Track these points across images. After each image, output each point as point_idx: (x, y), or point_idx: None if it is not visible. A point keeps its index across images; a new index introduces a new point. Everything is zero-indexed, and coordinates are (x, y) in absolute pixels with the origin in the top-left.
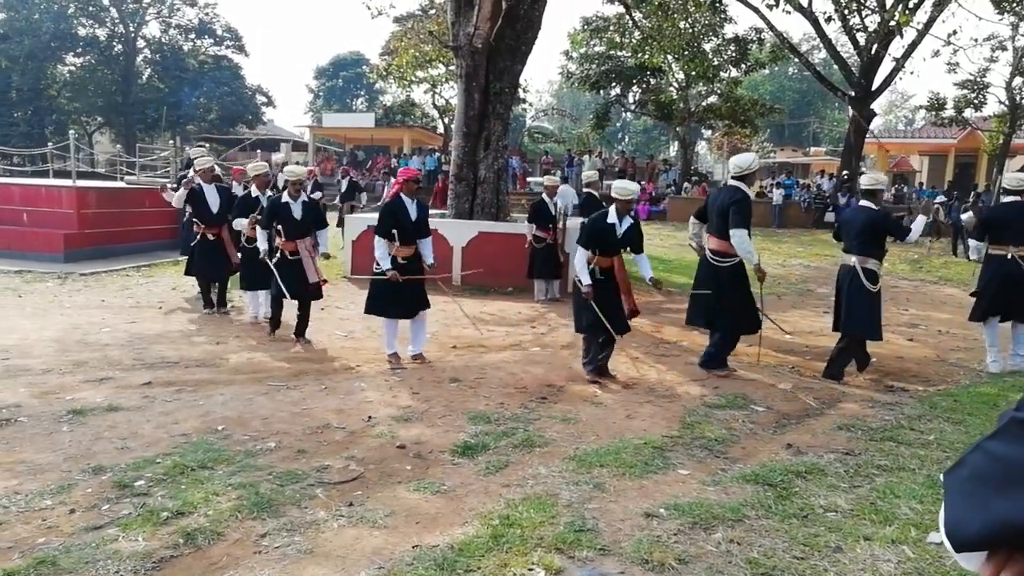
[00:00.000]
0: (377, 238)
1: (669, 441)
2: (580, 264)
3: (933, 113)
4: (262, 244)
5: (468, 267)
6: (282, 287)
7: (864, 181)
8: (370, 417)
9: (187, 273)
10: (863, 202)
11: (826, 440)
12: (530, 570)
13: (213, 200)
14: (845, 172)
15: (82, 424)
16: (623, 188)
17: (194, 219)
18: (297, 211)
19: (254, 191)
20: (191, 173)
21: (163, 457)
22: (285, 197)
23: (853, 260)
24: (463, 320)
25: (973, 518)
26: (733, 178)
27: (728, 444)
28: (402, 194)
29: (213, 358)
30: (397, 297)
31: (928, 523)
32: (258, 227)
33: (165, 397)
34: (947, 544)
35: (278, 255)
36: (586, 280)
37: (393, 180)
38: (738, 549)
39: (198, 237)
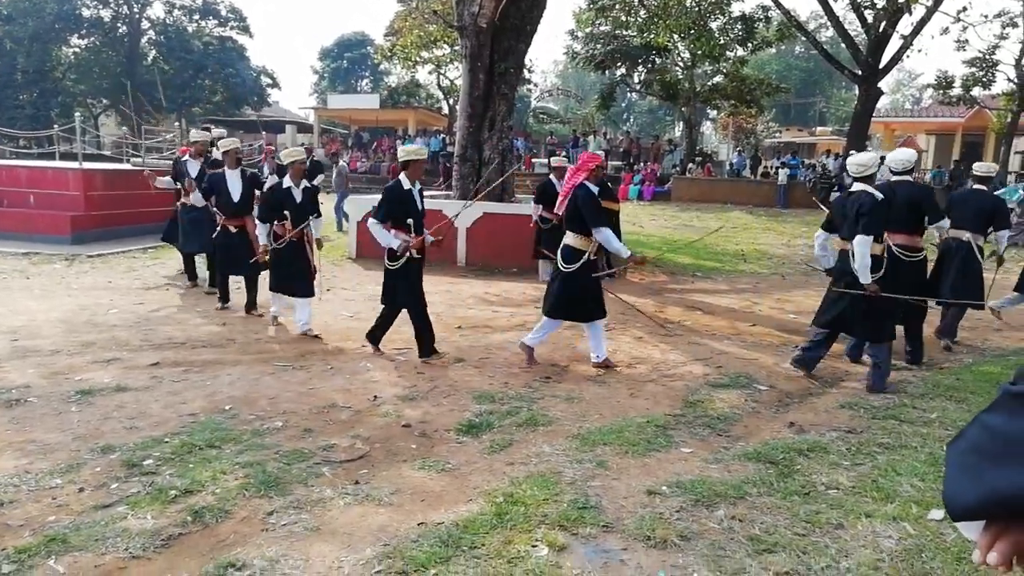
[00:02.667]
0: (606, 232)
1: (672, 420)
2: (862, 262)
3: (941, 92)
4: (391, 242)
5: (473, 249)
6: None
7: (979, 168)
8: (376, 397)
9: (209, 268)
10: (976, 186)
11: (828, 418)
12: (534, 546)
13: (235, 187)
14: (852, 151)
15: (90, 404)
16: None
17: (215, 208)
18: (419, 203)
19: (286, 182)
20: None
21: (171, 436)
22: (406, 183)
23: (967, 236)
24: (468, 300)
25: (969, 489)
26: (896, 173)
27: (730, 423)
28: (587, 182)
29: (220, 339)
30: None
31: (929, 500)
32: (391, 240)
33: (172, 377)
34: (948, 513)
35: (402, 262)
36: (867, 277)
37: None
38: (740, 526)
39: (219, 229)
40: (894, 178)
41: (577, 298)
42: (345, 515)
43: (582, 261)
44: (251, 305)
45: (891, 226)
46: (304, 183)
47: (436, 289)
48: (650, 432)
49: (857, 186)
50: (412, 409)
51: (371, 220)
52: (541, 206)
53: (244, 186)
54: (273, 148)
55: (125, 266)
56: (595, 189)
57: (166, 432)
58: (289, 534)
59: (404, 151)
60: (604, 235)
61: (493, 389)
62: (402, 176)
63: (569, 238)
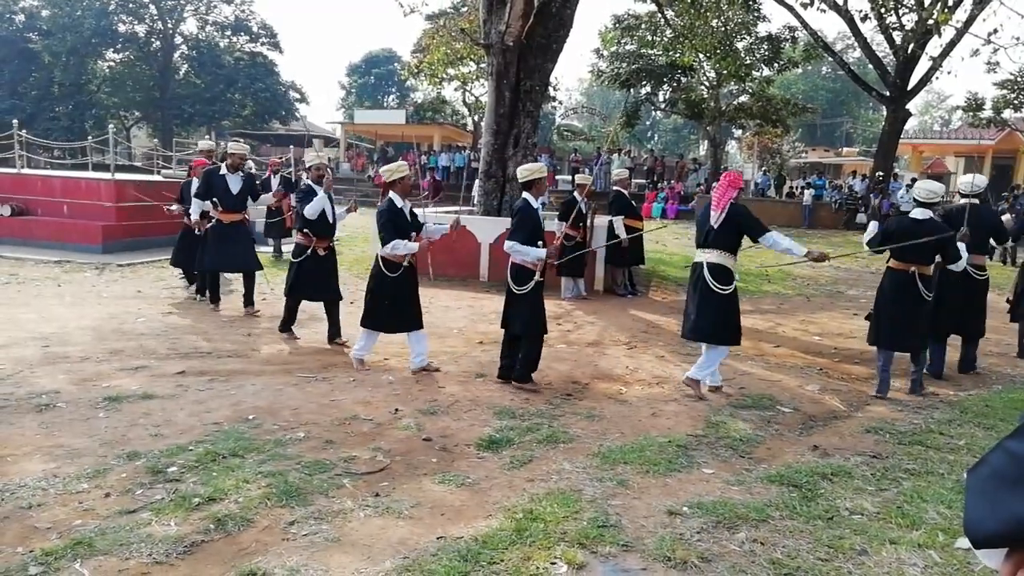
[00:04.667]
0: (773, 235)
1: (694, 440)
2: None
3: (970, 114)
4: (538, 253)
5: (496, 265)
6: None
7: None
8: (397, 409)
9: (288, 294)
10: None
11: (853, 443)
12: (552, 564)
13: (328, 206)
14: (879, 173)
15: (118, 411)
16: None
17: (304, 230)
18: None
19: (398, 201)
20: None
21: (195, 444)
22: (534, 202)
23: None
24: (490, 315)
25: (990, 516)
26: (965, 196)
27: (753, 444)
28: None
29: (245, 349)
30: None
31: (956, 528)
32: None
33: (198, 386)
34: (968, 540)
35: (531, 286)
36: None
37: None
38: (761, 549)
39: (308, 252)
40: (961, 200)
41: (737, 320)
42: (365, 527)
43: (736, 281)
44: (336, 334)
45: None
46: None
47: (459, 304)
48: (671, 452)
49: (920, 212)
50: (433, 423)
51: (509, 243)
52: (565, 223)
53: (333, 206)
54: (279, 160)
55: (154, 276)
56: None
57: (191, 440)
58: (310, 544)
59: (527, 170)
60: (773, 239)
61: (514, 405)
62: (527, 195)
63: (717, 256)
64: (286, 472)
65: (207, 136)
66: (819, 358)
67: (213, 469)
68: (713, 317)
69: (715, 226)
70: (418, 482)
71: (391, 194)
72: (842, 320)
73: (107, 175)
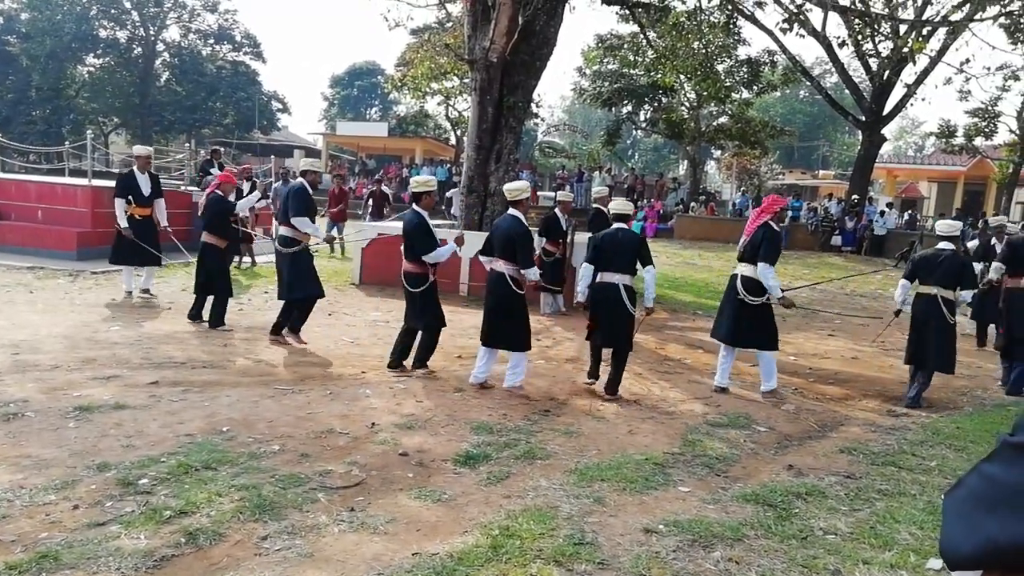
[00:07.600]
0: (770, 269)
1: (670, 458)
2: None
3: (943, 140)
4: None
5: (476, 279)
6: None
7: None
8: (374, 424)
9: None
10: None
11: (827, 463)
12: None
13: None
14: (854, 196)
15: (88, 421)
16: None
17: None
18: None
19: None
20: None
21: (167, 456)
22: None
23: None
24: (469, 330)
25: (965, 538)
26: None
27: (729, 463)
28: (771, 222)
29: (220, 360)
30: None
31: (928, 549)
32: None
33: (171, 397)
34: (944, 562)
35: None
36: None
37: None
38: (736, 568)
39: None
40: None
41: (774, 327)
42: (339, 542)
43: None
44: (400, 363)
45: (1017, 269)
46: None
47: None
48: (648, 470)
49: (943, 244)
50: (410, 438)
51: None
52: (545, 239)
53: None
54: (251, 167)
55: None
56: (778, 229)
57: (163, 452)
58: (283, 560)
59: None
60: (764, 272)
61: (492, 420)
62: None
63: (750, 270)
64: (260, 486)
65: (186, 144)
66: (794, 378)
67: (185, 482)
68: (747, 324)
69: (741, 248)
70: (394, 497)
71: (516, 212)
72: (817, 341)
73: (83, 181)
